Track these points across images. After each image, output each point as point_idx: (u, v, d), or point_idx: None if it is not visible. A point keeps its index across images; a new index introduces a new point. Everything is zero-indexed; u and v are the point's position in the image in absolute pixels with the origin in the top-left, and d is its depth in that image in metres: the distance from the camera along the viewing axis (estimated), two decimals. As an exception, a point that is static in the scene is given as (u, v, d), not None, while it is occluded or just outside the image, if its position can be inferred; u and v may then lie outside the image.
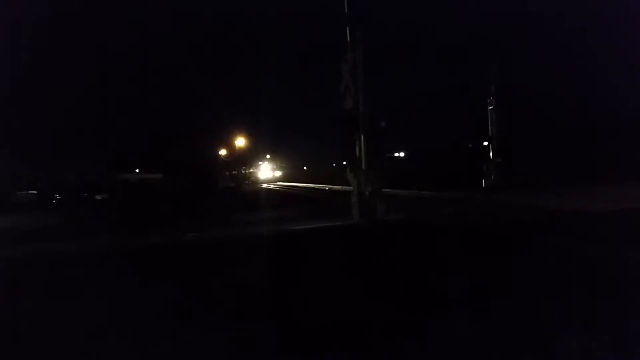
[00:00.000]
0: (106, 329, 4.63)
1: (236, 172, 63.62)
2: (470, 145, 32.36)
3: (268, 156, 77.88)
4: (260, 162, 77.05)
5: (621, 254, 6.29)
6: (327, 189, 32.59)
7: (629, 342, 3.63)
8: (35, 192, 34.22)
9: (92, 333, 4.51)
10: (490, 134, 23.92)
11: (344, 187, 24.16)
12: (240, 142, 59.76)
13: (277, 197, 28.64)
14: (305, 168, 75.86)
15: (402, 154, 44.85)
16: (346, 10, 10.87)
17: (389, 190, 15.11)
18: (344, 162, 17.06)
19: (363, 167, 10.75)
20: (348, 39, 10.80)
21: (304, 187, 39.32)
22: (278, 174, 77.67)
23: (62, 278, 7.25)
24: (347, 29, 10.81)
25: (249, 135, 60.57)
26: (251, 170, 74.61)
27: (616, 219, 9.82)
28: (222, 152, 60.40)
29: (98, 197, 36.00)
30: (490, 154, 23.73)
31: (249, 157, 69.32)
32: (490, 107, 23.69)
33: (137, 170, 60.99)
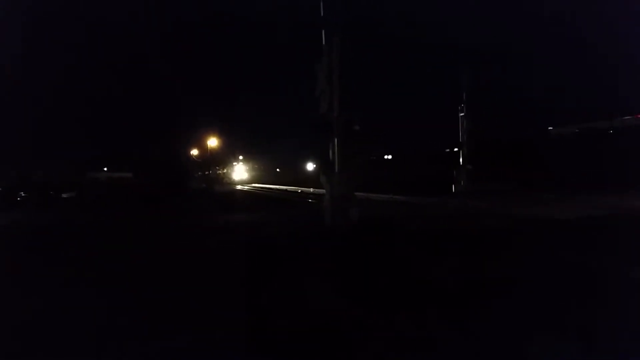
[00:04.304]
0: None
1: (209, 172, 62.76)
2: (446, 150, 32.84)
3: (241, 157, 77.44)
4: (234, 163, 76.50)
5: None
6: (299, 191, 32.56)
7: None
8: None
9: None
10: (460, 140, 24.30)
11: (317, 190, 24.20)
12: (212, 142, 59.20)
13: (249, 200, 28.44)
14: (278, 170, 75.80)
15: (374, 158, 45.31)
16: (322, 14, 10.88)
17: (361, 194, 15.22)
18: (318, 165, 17.10)
19: (336, 170, 10.76)
20: (324, 42, 10.82)
21: (277, 190, 39.19)
22: (252, 175, 77.26)
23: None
24: (323, 32, 10.83)
25: (222, 135, 60.08)
26: (225, 171, 73.94)
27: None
28: (194, 152, 59.66)
29: (65, 196, 34.94)
30: (461, 160, 24.11)
31: (222, 158, 68.75)
32: (462, 114, 24.06)
33: (105, 169, 59.68)
